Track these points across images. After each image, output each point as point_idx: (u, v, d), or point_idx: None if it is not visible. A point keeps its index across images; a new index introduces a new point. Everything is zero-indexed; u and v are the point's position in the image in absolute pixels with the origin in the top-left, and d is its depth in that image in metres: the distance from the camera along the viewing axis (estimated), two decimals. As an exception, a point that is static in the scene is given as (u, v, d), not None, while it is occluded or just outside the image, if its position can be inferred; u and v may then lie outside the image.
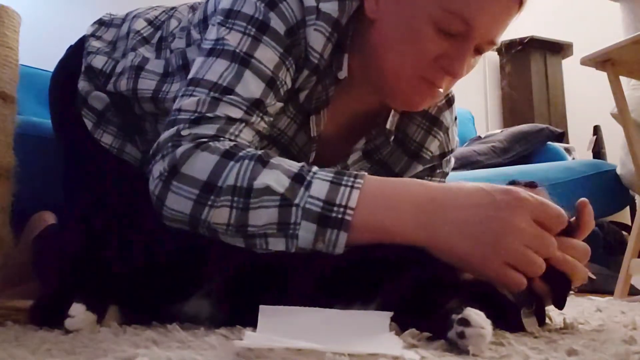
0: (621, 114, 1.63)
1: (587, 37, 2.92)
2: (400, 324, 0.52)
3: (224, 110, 0.70)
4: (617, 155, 1.97)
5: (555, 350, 0.49)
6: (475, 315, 0.47)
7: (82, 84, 0.98)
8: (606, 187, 1.93)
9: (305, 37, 0.76)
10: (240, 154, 0.67)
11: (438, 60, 0.74)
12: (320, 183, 0.63)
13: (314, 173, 0.65)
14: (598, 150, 3.01)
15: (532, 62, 3.41)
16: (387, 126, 0.89)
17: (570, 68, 3.42)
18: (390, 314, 0.51)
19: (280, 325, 0.49)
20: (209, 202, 0.64)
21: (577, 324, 0.67)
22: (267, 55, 0.74)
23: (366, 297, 0.58)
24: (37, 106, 1.61)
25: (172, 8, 1.02)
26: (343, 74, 0.80)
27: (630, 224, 2.03)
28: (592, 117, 3.12)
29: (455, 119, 0.98)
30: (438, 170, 0.99)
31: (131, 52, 0.96)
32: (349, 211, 0.61)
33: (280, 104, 0.77)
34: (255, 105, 0.73)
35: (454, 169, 2.32)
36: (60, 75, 1.06)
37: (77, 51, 1.02)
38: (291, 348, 0.43)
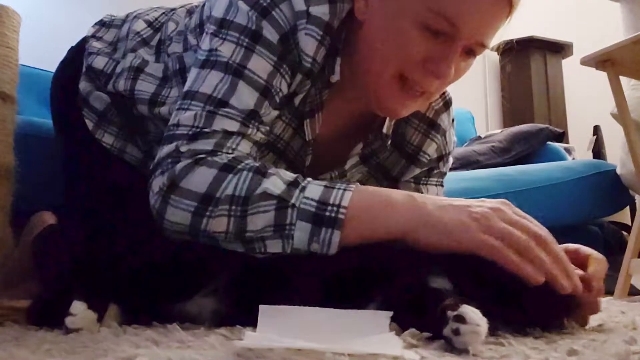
0: (621, 114, 1.63)
1: (587, 37, 2.92)
2: (400, 324, 0.53)
3: (220, 124, 0.72)
4: (617, 155, 1.97)
5: (555, 350, 0.49)
6: (471, 312, 0.47)
7: (83, 85, 0.98)
8: (606, 187, 1.92)
9: (297, 42, 0.76)
10: (239, 166, 0.68)
11: (425, 64, 0.74)
12: (314, 187, 0.66)
13: (309, 180, 0.68)
14: (598, 150, 3.01)
15: (532, 62, 3.41)
16: (384, 130, 0.89)
17: (570, 68, 3.42)
18: (390, 313, 0.51)
19: (280, 325, 0.49)
20: (207, 213, 0.66)
21: (577, 323, 0.67)
22: (260, 65, 0.74)
23: (367, 297, 0.58)
24: (37, 106, 1.61)
25: (172, 10, 1.02)
26: (335, 77, 0.80)
27: (630, 224, 2.03)
28: (592, 117, 3.12)
29: (453, 121, 0.97)
30: (435, 171, 0.99)
31: (130, 53, 0.96)
32: (342, 210, 0.64)
33: (276, 112, 0.77)
34: (251, 117, 0.73)
35: (454, 168, 2.32)
36: (61, 76, 1.07)
37: (78, 52, 1.03)
38: (291, 348, 0.43)
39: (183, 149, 0.70)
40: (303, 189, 0.66)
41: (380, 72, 0.76)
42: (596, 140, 3.02)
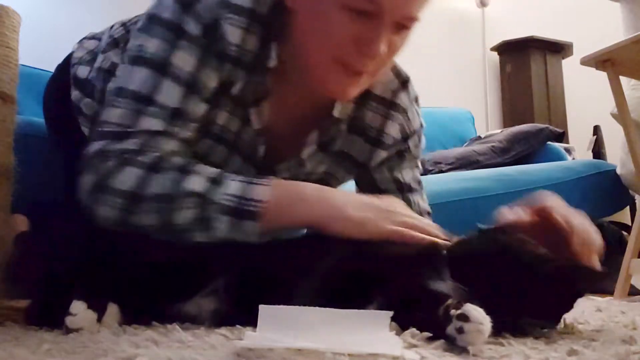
0: (621, 114, 1.63)
1: (587, 37, 2.92)
2: (400, 324, 0.53)
3: (145, 124, 0.74)
4: (617, 155, 1.97)
5: (555, 350, 0.49)
6: (475, 311, 0.47)
7: (74, 94, 0.99)
8: (606, 187, 1.92)
9: (223, 32, 0.76)
10: (164, 165, 0.72)
11: (356, 45, 0.73)
12: (235, 183, 0.72)
13: (230, 176, 0.73)
14: (598, 150, 3.01)
15: (532, 62, 3.41)
16: (336, 115, 0.87)
17: (571, 68, 3.42)
18: (390, 313, 0.51)
19: (280, 325, 0.49)
20: (135, 210, 0.71)
21: (577, 324, 0.67)
22: (184, 59, 0.75)
23: (367, 298, 0.58)
24: (37, 106, 1.60)
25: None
26: (272, 62, 0.79)
27: (630, 224, 2.03)
28: (592, 117, 3.12)
29: (416, 99, 0.95)
30: (406, 154, 0.97)
31: (101, 55, 0.97)
32: (259, 204, 0.70)
33: (205, 106, 0.78)
34: (177, 115, 0.75)
35: (454, 168, 2.32)
36: (51, 90, 1.08)
37: (64, 66, 1.04)
38: (291, 348, 0.43)
39: (110, 147, 0.74)
40: (224, 185, 0.71)
41: (317, 58, 0.77)
42: (596, 140, 3.02)
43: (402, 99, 0.93)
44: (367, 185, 0.97)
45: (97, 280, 0.63)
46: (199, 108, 0.77)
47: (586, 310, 0.87)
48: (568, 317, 0.68)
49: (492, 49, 3.57)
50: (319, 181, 0.92)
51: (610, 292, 1.54)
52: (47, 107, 1.10)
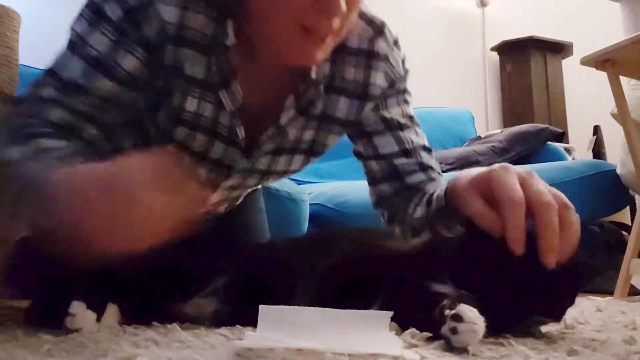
0: (621, 114, 1.63)
1: (587, 37, 2.92)
2: (400, 324, 0.53)
3: (40, 91, 0.76)
4: (617, 155, 1.97)
5: (555, 350, 0.49)
6: (469, 311, 0.47)
7: None
8: (606, 187, 1.92)
9: (157, 13, 0.75)
10: (30, 132, 0.71)
11: (315, 6, 0.71)
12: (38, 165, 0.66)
13: (45, 152, 0.68)
14: (598, 150, 3.01)
15: (532, 62, 3.41)
16: (313, 76, 0.82)
17: (571, 68, 3.42)
18: (390, 313, 0.51)
19: (280, 325, 0.49)
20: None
21: (577, 324, 0.67)
22: (99, 40, 0.75)
23: (367, 299, 0.58)
24: (37, 106, 1.61)
25: None
26: (229, 40, 0.77)
27: (630, 224, 2.03)
28: (592, 117, 3.13)
29: (395, 43, 0.92)
30: (392, 93, 0.92)
31: None
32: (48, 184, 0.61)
33: (111, 83, 0.76)
34: (72, 87, 0.76)
35: (454, 168, 2.32)
36: None
37: None
38: (291, 348, 0.43)
39: (16, 109, 0.78)
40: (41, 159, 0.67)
41: (278, 28, 0.74)
42: (596, 140, 3.03)
43: (381, 45, 0.89)
44: (357, 135, 0.93)
45: (96, 280, 0.63)
46: (103, 86, 0.76)
47: (586, 310, 0.87)
48: (568, 317, 0.68)
49: (492, 49, 3.58)
50: (310, 151, 0.92)
51: (610, 292, 1.54)
52: None
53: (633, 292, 1.60)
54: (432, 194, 0.81)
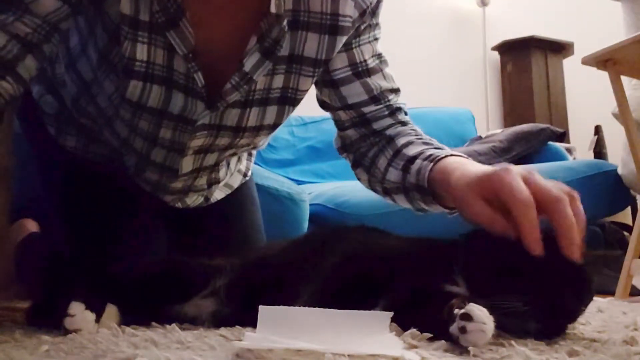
0: (622, 113, 1.63)
1: (588, 36, 2.92)
2: (401, 324, 0.52)
3: None
4: (618, 155, 1.97)
5: (556, 351, 0.49)
6: (478, 310, 0.47)
7: (35, 89, 0.96)
8: (607, 188, 1.92)
9: None
10: None
11: None
12: None
13: None
14: (599, 150, 3.01)
15: (533, 62, 3.41)
16: (273, 10, 0.74)
17: (572, 68, 3.42)
18: (390, 314, 0.51)
19: (280, 326, 0.49)
20: None
21: (578, 324, 0.67)
22: None
23: (368, 299, 0.58)
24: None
25: None
26: None
27: (631, 224, 2.03)
28: (593, 117, 3.12)
29: None
30: (363, 27, 0.85)
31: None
32: None
33: (48, 2, 0.70)
34: (10, 3, 0.70)
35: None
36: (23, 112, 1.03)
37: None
38: (291, 349, 0.43)
39: None
40: None
41: None
42: (597, 140, 3.02)
43: None
44: (323, 84, 0.89)
45: (96, 281, 0.63)
46: (40, 3, 0.70)
47: (587, 311, 0.87)
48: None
49: (493, 49, 3.58)
50: (284, 99, 0.85)
51: (611, 293, 1.53)
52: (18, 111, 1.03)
53: (634, 292, 1.59)
54: (405, 151, 0.79)
